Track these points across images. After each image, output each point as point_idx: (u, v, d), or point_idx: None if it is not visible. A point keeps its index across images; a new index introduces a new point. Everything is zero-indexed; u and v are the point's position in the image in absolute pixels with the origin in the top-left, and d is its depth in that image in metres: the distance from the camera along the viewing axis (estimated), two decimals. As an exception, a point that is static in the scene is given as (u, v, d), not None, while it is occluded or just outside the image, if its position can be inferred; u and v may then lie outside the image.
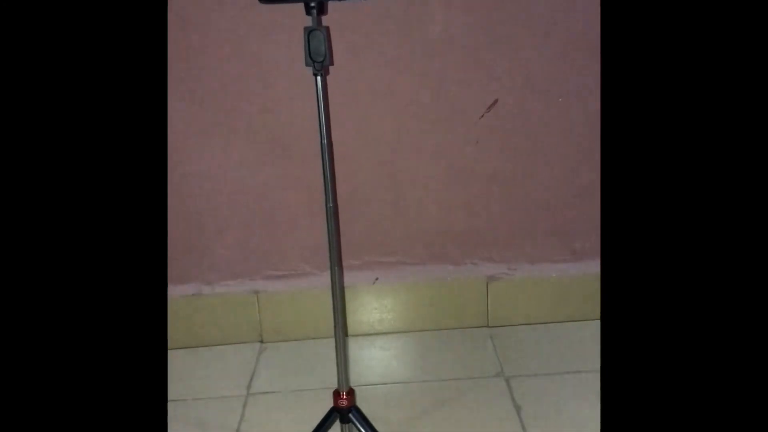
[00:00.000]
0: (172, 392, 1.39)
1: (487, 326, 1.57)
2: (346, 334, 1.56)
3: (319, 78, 0.97)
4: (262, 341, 1.57)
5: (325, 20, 1.28)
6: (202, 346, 1.55)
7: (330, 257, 1.08)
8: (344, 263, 1.53)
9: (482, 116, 1.41)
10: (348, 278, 1.54)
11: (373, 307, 1.56)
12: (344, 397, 1.13)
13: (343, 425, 1.16)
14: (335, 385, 1.14)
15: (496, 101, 1.40)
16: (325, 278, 1.50)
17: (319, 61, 0.95)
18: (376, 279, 1.54)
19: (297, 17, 1.02)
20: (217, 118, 1.40)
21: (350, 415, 1.14)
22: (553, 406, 1.29)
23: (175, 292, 1.51)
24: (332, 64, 1.34)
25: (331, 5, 1.29)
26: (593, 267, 1.54)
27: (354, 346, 1.54)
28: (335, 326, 1.11)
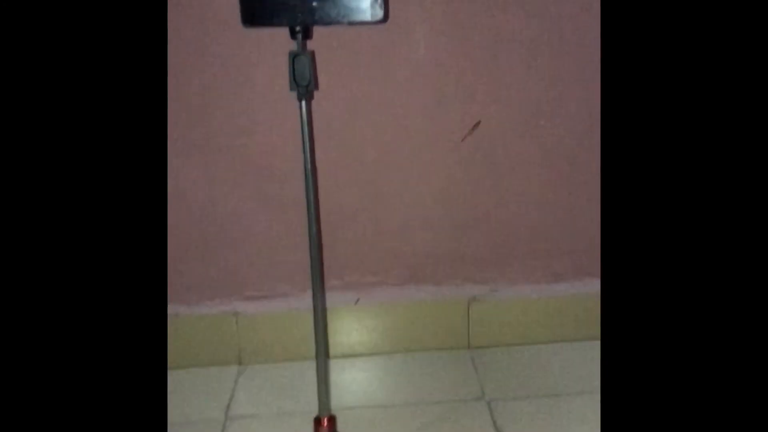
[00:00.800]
0: (147, 416, 1.36)
1: (468, 348, 1.57)
2: (327, 356, 1.55)
3: (303, 103, 0.96)
4: (240, 363, 1.54)
5: (310, 44, 1.27)
6: (179, 368, 1.52)
7: (312, 281, 1.07)
8: (325, 283, 1.51)
9: (464, 138, 1.42)
10: (329, 298, 1.52)
11: (353, 327, 1.55)
12: (325, 425, 1.12)
13: (324, 452, 1.14)
14: (316, 408, 1.13)
15: (478, 123, 1.41)
16: (306, 299, 1.48)
17: (304, 86, 0.95)
18: (358, 299, 1.53)
19: (283, 41, 1.02)
20: (199, 138, 1.38)
21: (331, 442, 1.13)
22: (535, 430, 1.29)
23: (152, 312, 1.48)
24: (317, 89, 1.33)
25: (316, 29, 1.29)
26: (575, 288, 1.55)
27: (334, 368, 1.52)
28: (317, 353, 1.10)
